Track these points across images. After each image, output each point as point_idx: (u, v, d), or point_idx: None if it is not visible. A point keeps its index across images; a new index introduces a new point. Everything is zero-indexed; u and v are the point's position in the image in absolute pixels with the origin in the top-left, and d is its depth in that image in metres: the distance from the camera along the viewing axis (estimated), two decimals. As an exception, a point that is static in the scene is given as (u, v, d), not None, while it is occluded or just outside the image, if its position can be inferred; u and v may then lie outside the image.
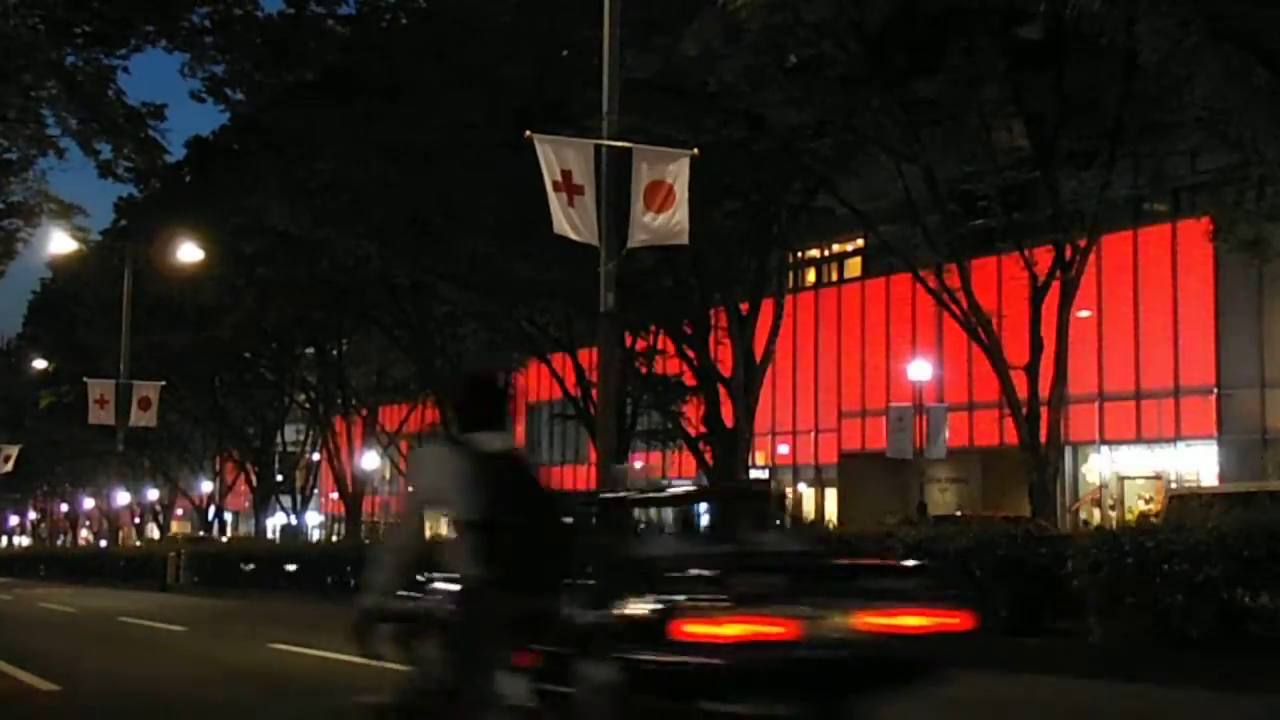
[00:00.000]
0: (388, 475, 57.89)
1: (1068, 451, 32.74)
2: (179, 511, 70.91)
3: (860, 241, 41.38)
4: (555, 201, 16.94)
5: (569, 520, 5.82)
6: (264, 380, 48.87)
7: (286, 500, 52.53)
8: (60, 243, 32.58)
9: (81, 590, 40.57)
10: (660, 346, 30.52)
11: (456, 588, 5.15)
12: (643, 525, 9.84)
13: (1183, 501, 17.46)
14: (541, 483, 5.39)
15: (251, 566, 37.83)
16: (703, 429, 28.61)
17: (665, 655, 6.75)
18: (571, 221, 17.04)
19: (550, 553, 5.08)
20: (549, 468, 59.19)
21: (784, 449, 45.65)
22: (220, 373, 48.52)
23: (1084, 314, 30.82)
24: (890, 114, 21.86)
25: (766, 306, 27.80)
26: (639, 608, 7.12)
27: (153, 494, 69.56)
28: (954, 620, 7.47)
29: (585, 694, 6.92)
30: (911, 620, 7.24)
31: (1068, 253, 21.72)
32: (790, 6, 19.14)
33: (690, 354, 28.40)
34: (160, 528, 70.98)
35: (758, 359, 27.57)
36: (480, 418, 5.23)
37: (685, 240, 18.20)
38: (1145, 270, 34.52)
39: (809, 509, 43.86)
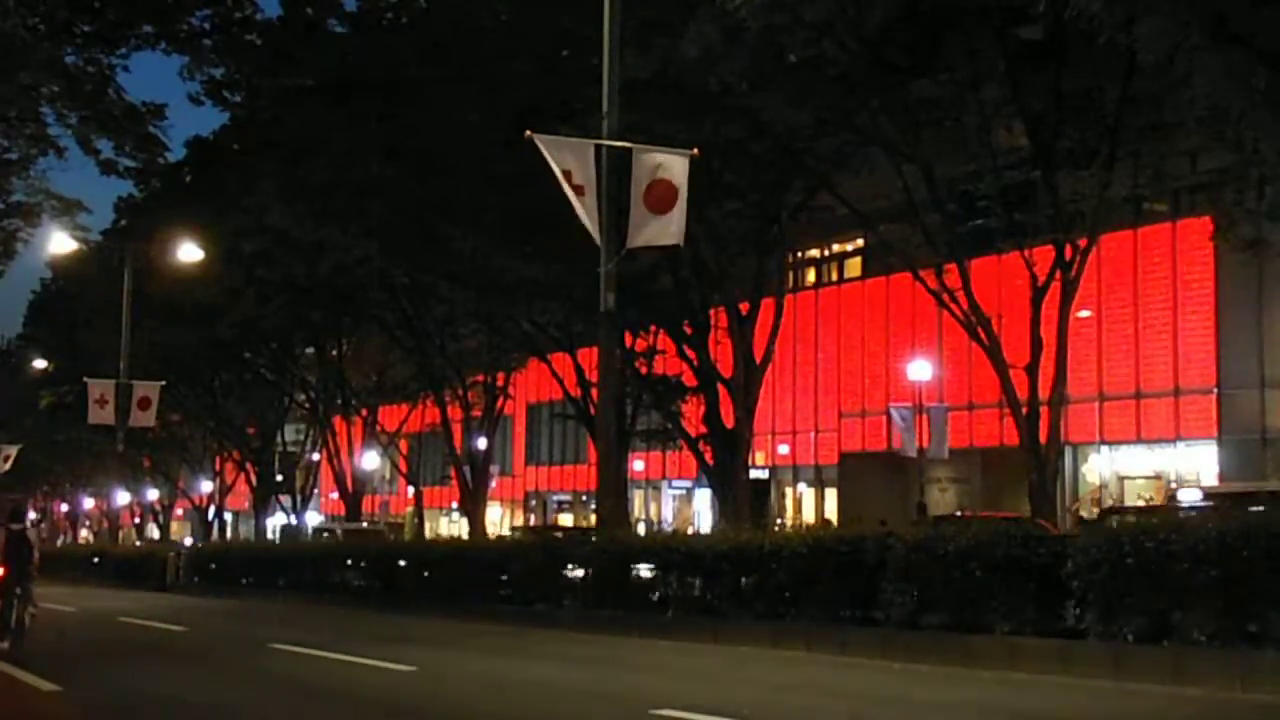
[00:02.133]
0: (388, 475, 57.91)
1: (1068, 451, 32.76)
2: (179, 511, 70.91)
3: (860, 241, 41.41)
4: (572, 199, 16.96)
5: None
6: (264, 380, 48.86)
7: (286, 500, 52.52)
8: (60, 243, 32.56)
9: (81, 590, 40.54)
10: (660, 346, 30.50)
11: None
12: None
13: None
14: (30, 540, 15.95)
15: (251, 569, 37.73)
16: (703, 429, 28.60)
17: None
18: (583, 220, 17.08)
19: (21, 565, 15.57)
20: (549, 467, 59.28)
21: (784, 449, 45.64)
22: (220, 373, 48.51)
23: (1084, 314, 30.84)
24: (890, 114, 21.85)
25: (766, 306, 27.79)
26: None
27: (153, 494, 69.56)
28: None
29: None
30: None
31: (1068, 253, 21.71)
32: (790, 7, 19.13)
33: (690, 354, 28.39)
34: (160, 528, 71.00)
35: (758, 359, 27.56)
36: (14, 518, 16.11)
37: (680, 243, 18.24)
38: (1145, 270, 34.51)
39: (809, 509, 43.97)
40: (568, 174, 16.97)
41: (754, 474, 33.54)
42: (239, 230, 33.99)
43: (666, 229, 17.40)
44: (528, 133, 17.05)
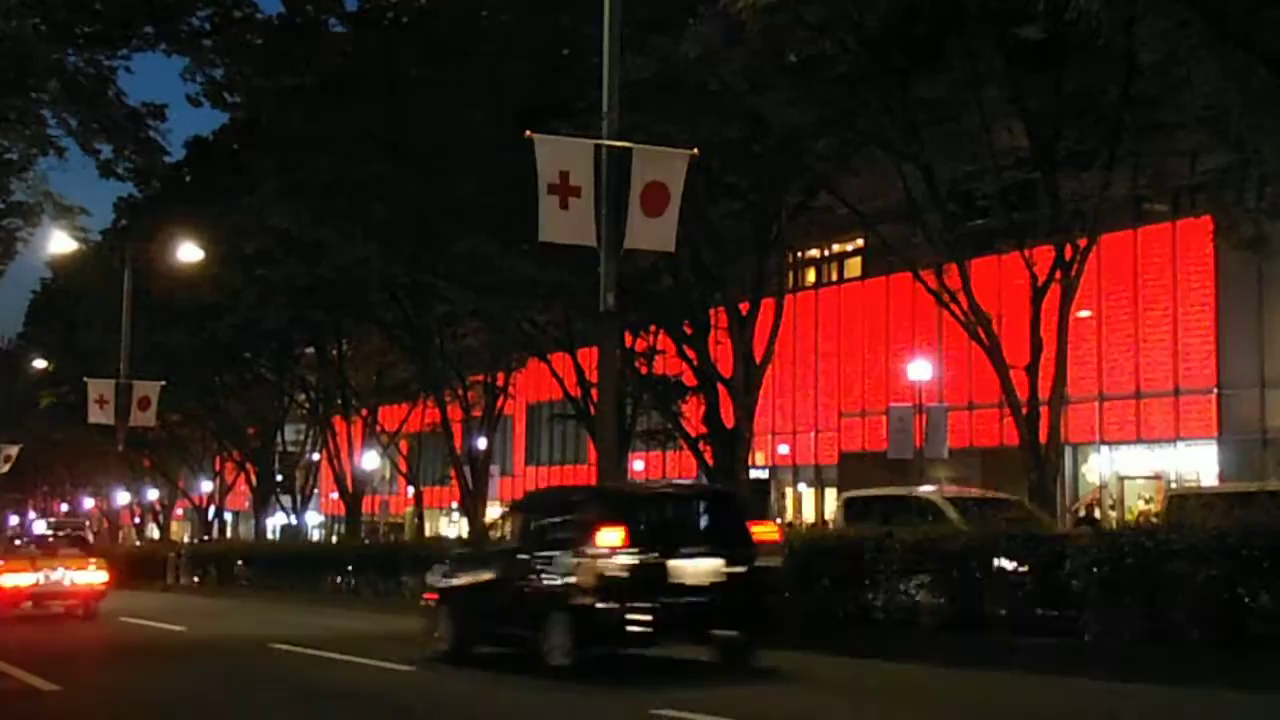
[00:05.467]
0: (388, 475, 57.88)
1: (1068, 451, 32.75)
2: (179, 511, 70.88)
3: (860, 241, 41.39)
4: (545, 205, 16.91)
5: None
6: (264, 380, 48.84)
7: (286, 500, 52.53)
8: (60, 243, 32.58)
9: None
10: (660, 346, 30.49)
11: None
12: None
13: (1182, 501, 17.44)
14: None
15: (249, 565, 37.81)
16: (703, 429, 28.58)
17: None
18: (565, 224, 17.03)
19: None
20: (549, 467, 59.22)
21: (784, 449, 45.64)
22: (220, 373, 48.50)
23: (1084, 314, 30.82)
24: (890, 114, 21.83)
25: (766, 306, 27.77)
26: None
27: (153, 494, 69.58)
28: None
29: None
30: None
31: (1068, 253, 21.70)
32: (791, 7, 19.12)
33: (690, 354, 28.38)
34: (160, 528, 70.98)
35: (758, 359, 27.53)
36: None
37: (671, 249, 18.26)
38: (1145, 270, 34.52)
39: (809, 509, 43.97)
40: (565, 174, 16.94)
41: (754, 474, 33.53)
42: (239, 230, 33.99)
43: (660, 233, 17.40)
44: (528, 133, 17.04)
